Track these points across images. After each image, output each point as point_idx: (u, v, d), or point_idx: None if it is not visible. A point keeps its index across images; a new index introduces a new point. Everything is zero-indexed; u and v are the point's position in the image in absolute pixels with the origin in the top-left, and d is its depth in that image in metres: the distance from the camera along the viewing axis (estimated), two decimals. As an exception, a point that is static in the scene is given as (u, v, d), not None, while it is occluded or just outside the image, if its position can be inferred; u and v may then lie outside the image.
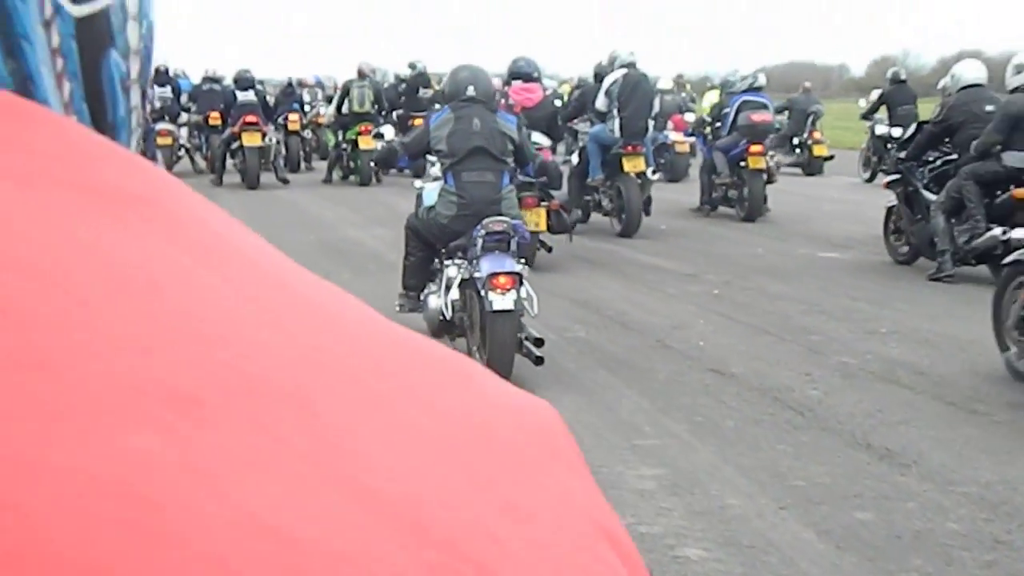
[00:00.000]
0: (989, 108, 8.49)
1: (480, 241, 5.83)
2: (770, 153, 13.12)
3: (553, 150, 9.92)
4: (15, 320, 0.22)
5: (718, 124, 13.41)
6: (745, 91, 13.10)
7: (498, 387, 0.31)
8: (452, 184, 6.14)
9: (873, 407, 5.63)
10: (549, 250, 9.39)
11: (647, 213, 11.57)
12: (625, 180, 11.22)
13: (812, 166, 19.25)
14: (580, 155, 11.69)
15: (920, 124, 9.69)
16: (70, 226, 0.25)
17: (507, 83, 10.42)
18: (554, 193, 8.99)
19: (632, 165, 11.10)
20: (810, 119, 19.05)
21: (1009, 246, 6.26)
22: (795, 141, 19.35)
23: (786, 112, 19.35)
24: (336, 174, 17.69)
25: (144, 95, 0.39)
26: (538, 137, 8.48)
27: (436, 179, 6.47)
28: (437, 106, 6.73)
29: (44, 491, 0.20)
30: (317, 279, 0.31)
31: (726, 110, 13.21)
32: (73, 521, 0.20)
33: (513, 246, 5.93)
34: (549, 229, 8.90)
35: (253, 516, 0.22)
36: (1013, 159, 8.21)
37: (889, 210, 9.87)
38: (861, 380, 6.15)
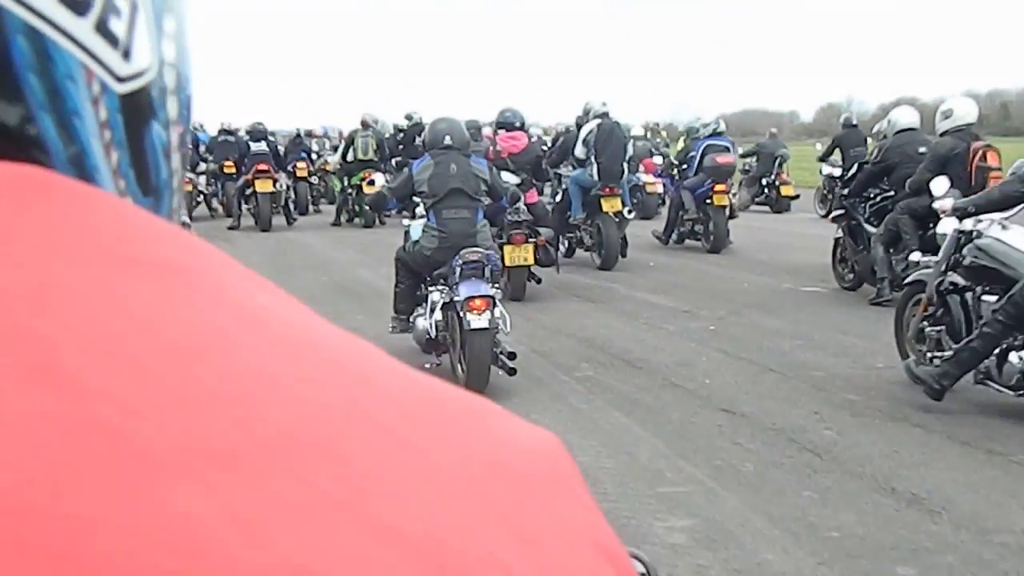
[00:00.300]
0: (922, 149, 8.47)
1: (459, 269, 6.11)
2: (732, 191, 13.34)
3: (540, 191, 9.95)
4: (77, 388, 0.23)
5: (684, 166, 13.42)
6: (709, 136, 13.16)
7: (507, 422, 0.31)
8: (434, 221, 6.45)
9: (889, 447, 5.09)
10: (538, 281, 9.39)
11: (623, 254, 11.64)
12: (604, 219, 11.32)
13: (780, 204, 18.75)
14: (563, 196, 11.72)
15: (861, 164, 9.83)
16: (124, 299, 0.25)
17: (496, 131, 10.35)
18: (541, 230, 9.10)
19: (610, 205, 11.23)
20: (777, 161, 18.59)
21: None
22: (763, 182, 18.93)
23: (755, 155, 19.10)
24: (343, 217, 17.29)
25: (184, 160, 0.39)
26: (507, 176, 8.54)
27: (420, 217, 6.72)
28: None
29: (102, 545, 0.21)
30: (340, 331, 0.30)
31: (692, 153, 13.20)
32: (124, 571, 0.20)
33: (487, 273, 6.18)
34: (537, 262, 9.02)
35: (289, 561, 0.22)
36: None
37: (836, 241, 9.92)
38: (871, 419, 5.62)
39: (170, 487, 0.22)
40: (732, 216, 13.38)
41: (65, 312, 0.24)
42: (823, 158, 16.94)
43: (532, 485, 0.28)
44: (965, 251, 5.85)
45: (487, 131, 17.16)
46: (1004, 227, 5.74)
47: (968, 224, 5.82)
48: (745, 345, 7.50)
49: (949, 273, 5.92)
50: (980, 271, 5.75)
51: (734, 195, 13.91)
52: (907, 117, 9.27)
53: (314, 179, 19.64)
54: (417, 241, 6.57)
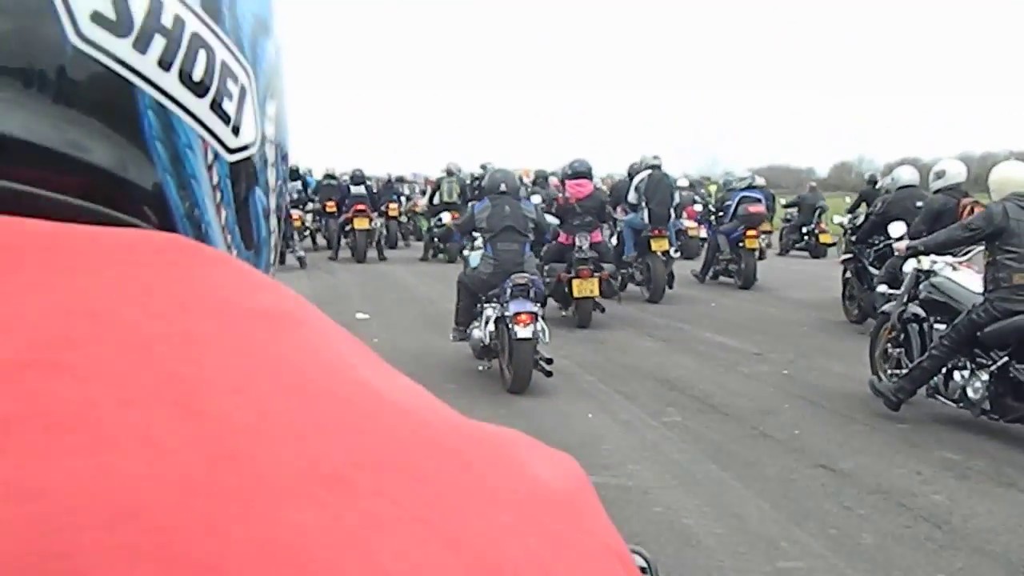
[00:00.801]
0: (919, 204, 8.27)
1: (509, 290, 6.41)
2: (762, 236, 13.29)
3: (601, 232, 9.72)
4: (214, 422, 0.23)
5: (720, 213, 13.34)
6: (744, 189, 13.00)
7: (536, 449, 0.31)
8: (490, 251, 6.78)
9: (1011, 520, 4.09)
10: (603, 310, 9.26)
11: (670, 286, 11.42)
12: (653, 258, 11.17)
13: (818, 250, 17.60)
14: (617, 237, 11.54)
15: (867, 216, 9.75)
16: (248, 344, 0.26)
17: (565, 179, 10.19)
18: (604, 266, 9.13)
19: (659, 245, 11.10)
20: (816, 212, 17.51)
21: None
22: (804, 230, 17.85)
23: (796, 207, 18.11)
24: (429, 253, 16.60)
25: (280, 221, 0.39)
26: (549, 217, 8.67)
27: (478, 248, 7.04)
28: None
29: (236, 555, 0.21)
30: (405, 377, 0.30)
31: (728, 203, 13.08)
32: None
33: (532, 294, 6.41)
34: (601, 294, 8.97)
35: (382, 567, 0.22)
36: None
37: (845, 281, 9.83)
38: (978, 483, 4.61)
39: (288, 505, 0.22)
40: (761, 257, 13.36)
41: (203, 357, 0.24)
42: (851, 210, 15.95)
43: (560, 501, 0.28)
44: (922, 287, 6.03)
45: (553, 180, 16.85)
46: (955, 268, 5.96)
47: (926, 264, 5.99)
48: (823, 393, 6.50)
49: (909, 305, 6.09)
50: (933, 304, 5.93)
51: (763, 240, 13.78)
52: (907, 175, 9.12)
53: (403, 218, 19.22)
54: (476, 267, 6.89)
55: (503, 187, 6.94)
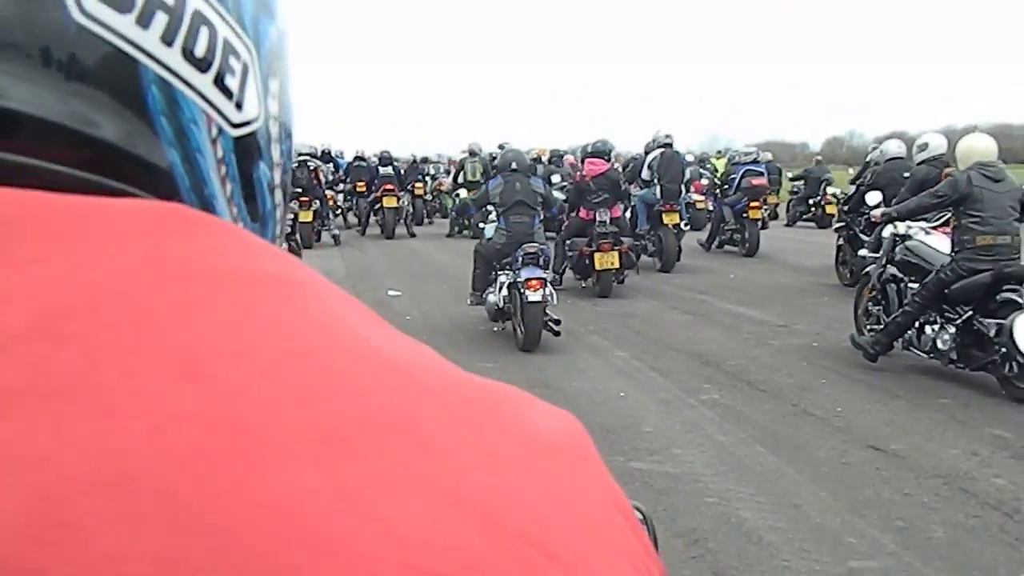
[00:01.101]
0: (905, 175, 8.10)
1: (521, 258, 6.55)
2: (765, 208, 13.10)
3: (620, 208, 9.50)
4: (215, 387, 0.22)
5: (726, 186, 13.23)
6: (748, 163, 12.80)
7: (535, 405, 0.28)
8: (503, 224, 6.86)
9: (1084, 507, 3.54)
10: (622, 281, 9.13)
11: (678, 259, 11.17)
12: (664, 230, 10.99)
13: (824, 221, 16.78)
14: (631, 212, 11.21)
15: (858, 187, 9.59)
16: (248, 310, 0.24)
17: (584, 157, 9.90)
18: (623, 239, 8.97)
19: (670, 219, 10.97)
20: (822, 185, 16.74)
21: None
22: (810, 202, 17.13)
23: (803, 179, 17.45)
24: (455, 229, 16.09)
25: (285, 196, 0.38)
26: (557, 193, 8.81)
27: (492, 221, 7.10)
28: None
29: (240, 516, 0.20)
30: (408, 338, 0.28)
31: (732, 176, 12.94)
32: (259, 538, 0.20)
33: (541, 261, 6.56)
34: (621, 265, 8.82)
35: (387, 526, 0.21)
36: None
37: (838, 247, 9.73)
38: (1039, 464, 4.05)
39: (291, 467, 0.21)
40: (764, 227, 13.10)
41: (203, 323, 0.23)
42: (853, 181, 15.30)
43: (561, 455, 0.27)
44: (897, 250, 6.13)
45: (569, 158, 16.45)
46: (927, 232, 6.06)
47: (901, 228, 6.09)
48: (855, 365, 5.94)
49: (887, 266, 6.19)
50: (908, 265, 6.04)
51: (765, 210, 13.72)
52: (895, 148, 9.05)
53: (429, 197, 18.75)
54: (490, 238, 6.99)
55: (514, 165, 7.03)
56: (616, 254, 8.62)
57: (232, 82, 0.31)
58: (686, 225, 11.72)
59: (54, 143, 0.26)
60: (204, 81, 0.30)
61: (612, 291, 8.83)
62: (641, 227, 11.16)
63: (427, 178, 18.67)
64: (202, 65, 0.30)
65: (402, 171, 16.71)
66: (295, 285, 0.26)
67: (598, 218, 8.71)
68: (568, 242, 9.04)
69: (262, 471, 0.20)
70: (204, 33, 0.30)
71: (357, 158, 17.11)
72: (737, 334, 7.10)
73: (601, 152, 9.48)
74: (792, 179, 18.19)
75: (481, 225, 7.55)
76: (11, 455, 0.19)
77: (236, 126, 0.32)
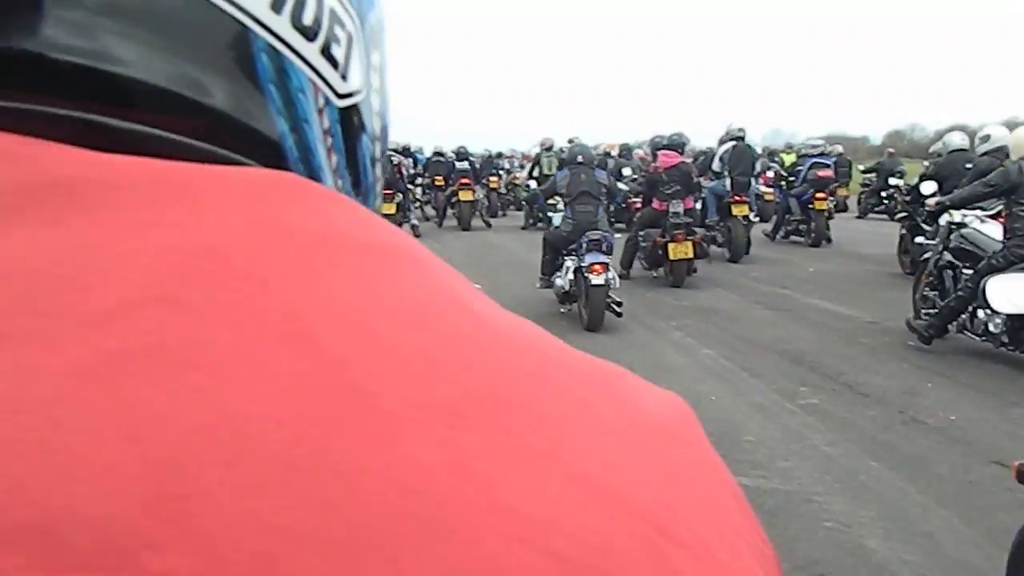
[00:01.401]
0: (968, 165, 7.78)
1: (585, 244, 6.63)
2: (830, 199, 12.64)
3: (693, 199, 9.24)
4: (332, 357, 0.20)
5: (792, 178, 12.88)
6: (815, 156, 12.39)
7: (644, 384, 0.27)
8: (569, 213, 6.96)
9: None
10: (694, 271, 8.80)
11: (747, 251, 10.70)
12: (734, 222, 10.62)
13: (895, 212, 15.93)
14: (702, 203, 10.75)
15: (921, 177, 9.19)
16: (362, 278, 0.22)
17: (656, 149, 9.70)
18: (696, 230, 8.74)
19: (739, 210, 10.59)
20: (895, 176, 15.73)
21: None
22: (883, 194, 16.11)
23: (875, 172, 16.57)
24: (529, 221, 15.67)
25: (382, 169, 0.36)
26: (620, 184, 9.20)
27: (560, 210, 7.21)
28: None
29: (361, 491, 0.18)
30: (515, 316, 0.26)
31: (799, 168, 12.59)
32: (379, 514, 0.18)
33: (604, 247, 6.60)
34: (695, 255, 8.57)
35: (505, 503, 0.19)
36: None
37: (901, 237, 9.56)
38: None
39: (409, 440, 0.19)
40: (830, 218, 12.61)
41: (319, 292, 0.21)
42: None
43: (673, 435, 0.25)
44: (952, 237, 6.12)
45: (639, 152, 16.01)
46: (982, 220, 6.00)
47: (957, 217, 6.08)
48: (959, 367, 5.33)
49: (943, 253, 6.19)
50: (962, 252, 5.99)
51: (833, 203, 13.26)
52: (957, 140, 8.78)
53: (503, 190, 18.49)
54: (558, 226, 7.10)
55: (580, 159, 7.14)
56: (690, 244, 8.43)
57: (338, 52, 0.30)
58: (755, 216, 11.35)
59: (166, 111, 0.25)
60: (311, 50, 0.28)
61: (685, 282, 8.60)
62: (711, 218, 10.88)
63: (502, 172, 18.47)
64: (309, 33, 0.28)
65: (477, 166, 16.57)
66: (408, 256, 0.24)
67: (671, 209, 8.52)
68: (643, 233, 8.90)
69: (379, 443, 0.19)
70: (312, 1, 0.28)
71: (436, 154, 16.94)
72: (826, 331, 6.52)
73: (675, 145, 9.29)
74: (864, 171, 17.35)
75: (549, 214, 7.67)
76: (128, 423, 0.17)
77: (341, 96, 0.30)
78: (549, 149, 15.43)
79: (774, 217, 13.15)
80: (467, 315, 0.23)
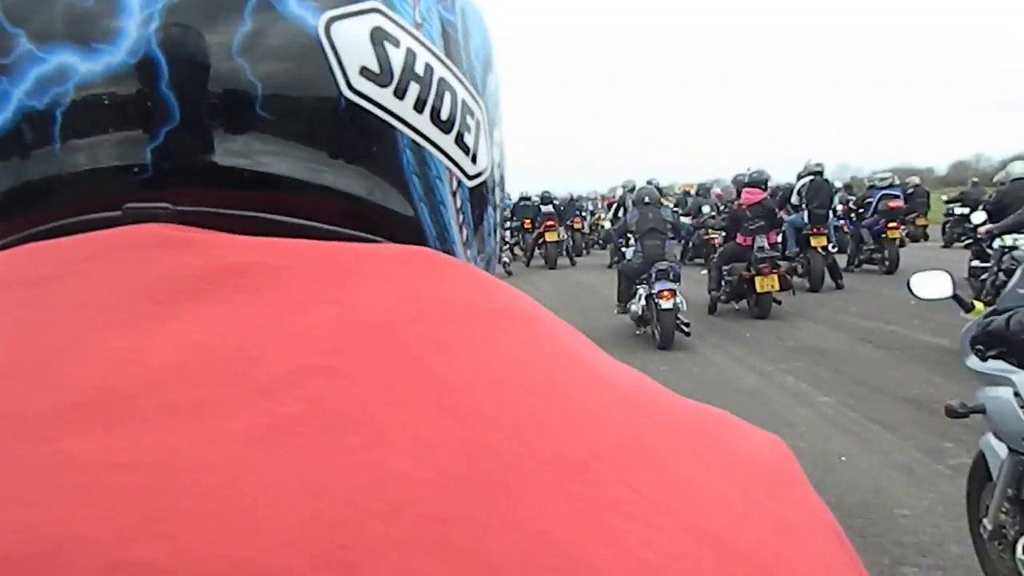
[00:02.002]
0: None
1: (655, 273, 6.93)
2: (902, 227, 12.47)
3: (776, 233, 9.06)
4: (471, 418, 0.20)
5: (861, 209, 12.42)
6: (884, 187, 12.03)
7: (745, 428, 0.25)
8: (639, 247, 7.31)
9: None
10: (779, 303, 8.27)
11: (839, 286, 10.13)
12: (812, 253, 10.29)
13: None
14: (781, 236, 10.42)
15: (983, 206, 9.10)
16: (494, 344, 0.23)
17: (741, 187, 9.26)
18: (781, 263, 8.46)
19: (818, 241, 10.20)
20: (981, 207, 14.25)
21: None
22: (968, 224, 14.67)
23: (959, 202, 15.29)
24: (614, 259, 14.96)
25: (501, 232, 0.37)
26: (684, 219, 9.14)
27: (630, 246, 7.56)
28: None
29: (499, 545, 0.18)
30: (626, 366, 0.26)
31: (868, 199, 12.17)
32: (522, 567, 0.18)
33: (671, 276, 6.89)
34: (781, 288, 8.20)
35: (633, 555, 0.19)
36: None
37: (969, 262, 8.90)
38: None
39: (543, 496, 0.19)
40: (902, 245, 12.47)
41: (456, 358, 0.22)
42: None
43: (779, 480, 0.23)
44: (1005, 259, 6.37)
45: (716, 190, 15.37)
46: None
47: (1009, 240, 6.46)
48: None
49: (998, 274, 6.31)
50: (1013, 272, 5.47)
51: (904, 231, 13.04)
52: (1020, 168, 8.25)
53: (586, 230, 18.16)
54: (630, 259, 7.48)
55: (647, 199, 7.52)
56: (775, 277, 8.13)
57: (469, 138, 0.31)
58: (833, 247, 10.85)
59: (324, 205, 0.26)
60: (448, 141, 0.29)
61: (774, 314, 8.16)
62: (790, 250, 10.50)
63: (585, 213, 18.19)
64: (446, 127, 0.29)
65: (561, 208, 16.37)
66: (529, 319, 0.25)
67: (756, 243, 8.22)
68: (727, 268, 8.50)
69: (517, 499, 0.19)
70: (448, 97, 0.29)
71: (522, 198, 16.70)
72: (952, 373, 5.43)
73: (758, 182, 8.99)
74: (947, 202, 16.27)
75: (623, 249, 7.95)
76: (298, 482, 0.18)
77: (471, 177, 0.31)
78: (632, 190, 14.85)
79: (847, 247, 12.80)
80: (587, 374, 0.23)
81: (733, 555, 0.20)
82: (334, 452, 0.18)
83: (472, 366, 0.21)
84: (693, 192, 16.60)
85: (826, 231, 10.31)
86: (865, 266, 12.22)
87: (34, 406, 0.18)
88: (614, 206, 15.44)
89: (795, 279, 9.93)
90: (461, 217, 0.31)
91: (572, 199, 17.99)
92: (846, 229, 13.74)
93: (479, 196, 0.32)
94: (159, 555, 0.16)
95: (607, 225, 12.29)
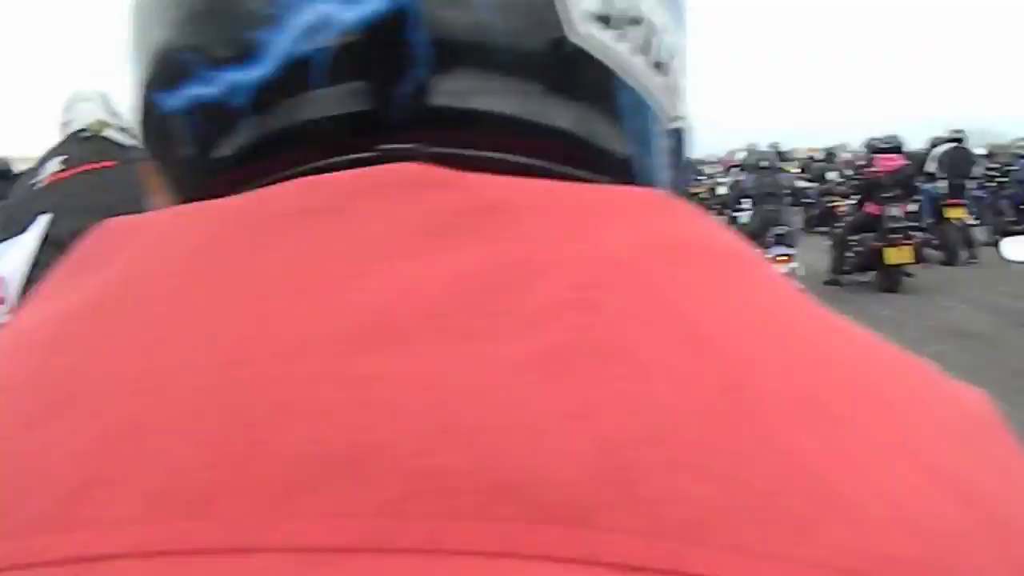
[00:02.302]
0: None
1: (772, 239, 6.60)
2: None
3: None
4: (717, 355, 0.20)
5: (1005, 179, 10.96)
6: None
7: (948, 381, 0.25)
8: (756, 211, 7.02)
9: None
10: (911, 276, 7.44)
11: (974, 257, 9.01)
12: (948, 224, 9.23)
13: None
14: (918, 206, 9.45)
15: None
16: (728, 282, 0.23)
17: (873, 152, 8.20)
18: (914, 234, 7.54)
19: (955, 213, 9.15)
20: None
21: None
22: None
23: None
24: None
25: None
26: (798, 182, 8.69)
27: (748, 210, 7.19)
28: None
29: (761, 469, 0.18)
30: (834, 314, 0.25)
31: (1010, 167, 10.86)
32: (782, 491, 0.18)
33: (788, 241, 6.70)
34: (916, 260, 7.42)
35: (883, 488, 0.19)
36: None
37: None
38: None
39: (791, 429, 0.19)
40: None
41: (697, 296, 0.22)
42: None
43: (989, 429, 0.23)
44: None
45: (844, 155, 14.11)
46: None
47: None
48: None
49: None
50: None
51: None
52: None
53: (705, 195, 15.82)
54: (745, 223, 6.96)
55: (763, 163, 7.29)
56: (908, 249, 7.32)
57: (678, 83, 0.31)
58: (975, 219, 9.93)
59: (553, 151, 0.26)
60: (660, 85, 0.29)
61: (904, 288, 7.31)
62: (924, 220, 9.65)
63: (703, 177, 16.78)
64: (660, 71, 0.29)
65: None
66: (756, 260, 0.25)
67: (887, 213, 7.37)
68: (857, 238, 7.62)
69: (771, 433, 0.19)
70: (663, 42, 0.29)
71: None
72: None
73: (893, 147, 8.07)
74: None
75: (735, 214, 7.55)
76: (573, 405, 0.19)
77: (676, 121, 0.31)
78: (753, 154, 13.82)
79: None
80: (812, 314, 0.23)
81: (966, 498, 0.20)
82: (602, 379, 0.19)
83: (711, 304, 0.22)
84: (819, 157, 15.30)
85: (964, 202, 9.37)
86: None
87: (327, 327, 0.20)
88: (733, 170, 14.63)
89: (929, 251, 9.09)
90: (666, 160, 0.31)
91: (689, 163, 16.99)
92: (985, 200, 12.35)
93: (679, 142, 0.32)
94: (460, 462, 0.17)
95: (723, 191, 11.69)
